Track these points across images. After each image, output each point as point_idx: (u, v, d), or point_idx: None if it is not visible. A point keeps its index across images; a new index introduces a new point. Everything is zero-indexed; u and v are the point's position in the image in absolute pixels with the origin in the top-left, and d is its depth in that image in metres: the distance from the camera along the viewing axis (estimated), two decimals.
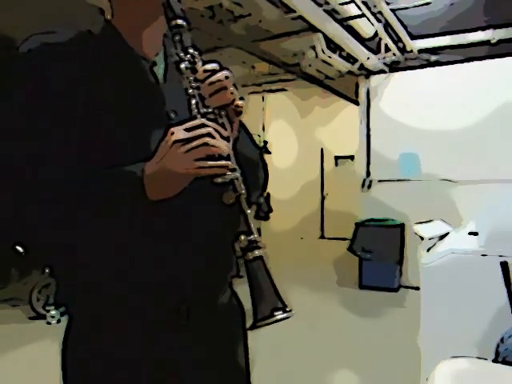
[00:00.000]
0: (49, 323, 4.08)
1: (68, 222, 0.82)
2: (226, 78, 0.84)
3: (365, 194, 5.77)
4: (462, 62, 5.19)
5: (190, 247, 0.91)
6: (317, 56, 4.91)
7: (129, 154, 0.84)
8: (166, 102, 0.91)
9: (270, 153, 8.51)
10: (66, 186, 0.82)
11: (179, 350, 0.92)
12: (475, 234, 2.56)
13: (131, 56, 0.93)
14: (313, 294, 5.14)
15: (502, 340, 1.93)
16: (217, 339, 0.97)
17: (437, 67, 5.35)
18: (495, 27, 4.77)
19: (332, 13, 4.22)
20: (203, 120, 0.80)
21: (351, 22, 4.56)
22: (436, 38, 5.14)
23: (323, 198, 8.85)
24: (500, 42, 4.87)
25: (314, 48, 4.80)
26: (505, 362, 1.82)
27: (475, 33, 4.88)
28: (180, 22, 0.86)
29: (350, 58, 5.29)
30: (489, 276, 2.29)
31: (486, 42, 4.92)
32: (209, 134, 0.78)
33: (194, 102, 0.83)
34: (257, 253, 0.80)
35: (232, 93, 0.85)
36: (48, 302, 4.21)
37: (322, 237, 8.83)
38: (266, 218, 8.01)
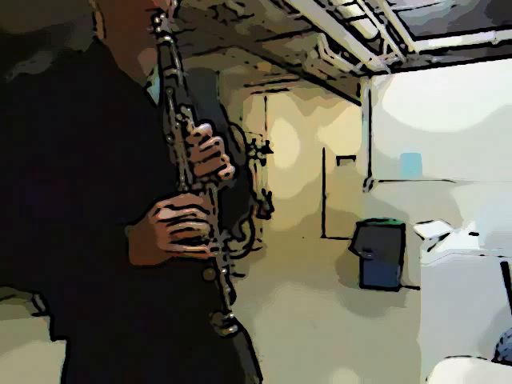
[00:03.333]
0: None
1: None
2: (217, 143, 0.82)
3: (366, 194, 5.78)
4: (463, 63, 5.19)
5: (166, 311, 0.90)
6: (319, 56, 4.92)
7: (124, 184, 0.86)
8: (163, 125, 0.88)
9: (272, 152, 8.53)
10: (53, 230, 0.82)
11: (182, 380, 0.93)
12: (476, 234, 2.57)
13: (123, 81, 0.91)
14: (314, 293, 5.15)
15: (501, 340, 1.95)
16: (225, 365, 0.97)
17: (438, 68, 5.36)
18: (497, 29, 4.78)
19: (335, 13, 4.23)
20: (189, 196, 0.80)
21: (354, 23, 4.57)
22: (438, 40, 5.14)
23: (325, 198, 8.86)
24: (502, 43, 4.88)
25: (316, 48, 4.81)
26: (504, 362, 1.83)
27: (477, 34, 4.89)
28: (174, 71, 0.82)
29: (353, 59, 5.29)
30: (489, 276, 2.30)
31: (488, 44, 4.93)
32: (193, 214, 0.78)
33: (182, 171, 0.81)
34: (231, 330, 0.81)
35: (223, 159, 0.83)
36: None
37: (324, 236, 8.84)
38: (268, 217, 8.03)
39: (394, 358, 3.28)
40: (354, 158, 8.14)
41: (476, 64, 5.12)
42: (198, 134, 0.81)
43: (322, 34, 4.54)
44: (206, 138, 0.82)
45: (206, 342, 0.89)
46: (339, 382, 3.17)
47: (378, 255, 5.21)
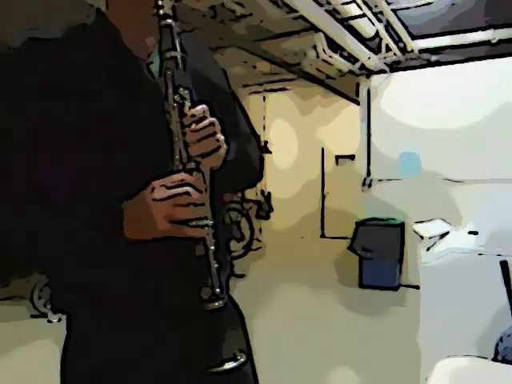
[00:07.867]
0: (50, 321, 4.09)
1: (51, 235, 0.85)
2: (212, 124, 0.84)
3: (365, 194, 5.78)
4: (462, 61, 5.19)
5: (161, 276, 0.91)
6: (318, 56, 4.91)
7: (126, 160, 0.86)
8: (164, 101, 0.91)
9: (270, 152, 8.52)
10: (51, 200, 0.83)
11: (178, 361, 0.93)
12: (475, 233, 2.57)
13: (127, 54, 0.92)
14: (313, 292, 5.15)
15: (501, 339, 1.95)
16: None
17: (437, 67, 5.36)
18: (495, 27, 4.78)
19: (333, 13, 4.23)
20: (183, 175, 0.81)
21: (352, 22, 4.57)
22: (437, 38, 5.15)
23: (324, 197, 8.85)
24: (500, 42, 4.88)
25: (315, 48, 4.80)
26: (504, 361, 1.83)
27: (476, 33, 4.89)
28: (174, 53, 0.85)
29: (351, 58, 5.29)
30: (488, 275, 2.30)
31: (487, 42, 4.93)
32: (187, 193, 0.80)
33: (177, 151, 0.83)
34: (216, 304, 0.82)
35: (218, 140, 0.85)
36: (49, 300, 4.22)
37: (323, 236, 8.83)
38: (267, 217, 8.02)
39: (393, 358, 3.28)
40: (352, 157, 8.13)
41: (475, 63, 5.11)
42: (193, 115, 0.83)
43: (321, 34, 4.54)
44: (203, 118, 0.84)
45: (194, 316, 0.90)
46: (339, 381, 3.17)
47: (378, 254, 5.21)
